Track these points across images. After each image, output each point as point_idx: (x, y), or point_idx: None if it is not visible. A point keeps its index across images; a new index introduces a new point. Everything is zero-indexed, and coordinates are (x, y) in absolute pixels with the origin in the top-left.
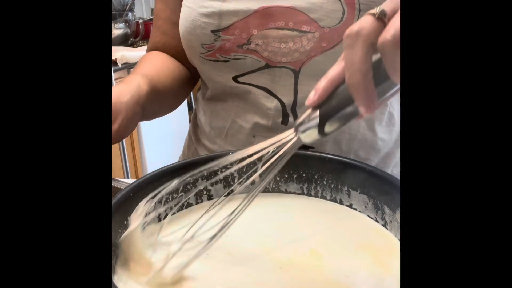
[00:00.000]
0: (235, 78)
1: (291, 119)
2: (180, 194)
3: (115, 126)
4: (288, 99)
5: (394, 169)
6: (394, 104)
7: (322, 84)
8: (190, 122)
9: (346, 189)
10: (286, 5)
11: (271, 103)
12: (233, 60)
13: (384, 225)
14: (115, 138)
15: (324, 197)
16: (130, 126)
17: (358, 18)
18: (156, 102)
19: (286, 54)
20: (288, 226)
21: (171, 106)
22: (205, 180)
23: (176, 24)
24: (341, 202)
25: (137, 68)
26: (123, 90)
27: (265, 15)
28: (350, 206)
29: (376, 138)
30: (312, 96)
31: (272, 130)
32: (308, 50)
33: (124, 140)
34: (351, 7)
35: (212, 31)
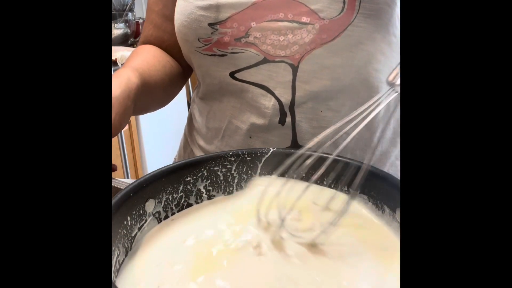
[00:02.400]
0: (232, 74)
1: (288, 118)
2: (180, 194)
3: None
4: (285, 98)
5: (390, 168)
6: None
7: None
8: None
9: (346, 189)
10: None
11: (269, 102)
12: (231, 54)
13: (384, 225)
14: None
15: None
16: (123, 121)
17: (358, 10)
18: (146, 96)
19: (285, 47)
20: (288, 226)
21: (162, 101)
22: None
23: (168, 17)
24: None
25: (128, 62)
26: (113, 85)
27: (264, 6)
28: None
29: (373, 136)
30: None
31: (269, 130)
32: (308, 43)
33: (124, 140)
34: None
35: (209, 24)
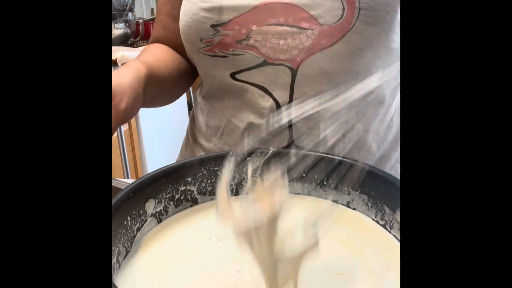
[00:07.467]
0: (232, 75)
1: None
2: (180, 194)
3: (122, 106)
4: (283, 100)
5: (390, 171)
6: (393, 106)
7: None
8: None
9: (346, 189)
10: (287, 1)
11: (266, 103)
12: (232, 55)
13: (384, 225)
14: (124, 118)
15: (324, 197)
16: (136, 105)
17: (357, 17)
18: (154, 87)
19: (285, 51)
20: (288, 226)
21: (170, 95)
22: None
23: (175, 18)
24: (341, 202)
25: (137, 57)
26: (124, 73)
27: (265, 10)
28: (350, 206)
29: (371, 141)
30: None
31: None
32: (307, 47)
33: (124, 140)
34: (351, 5)
35: (212, 26)
